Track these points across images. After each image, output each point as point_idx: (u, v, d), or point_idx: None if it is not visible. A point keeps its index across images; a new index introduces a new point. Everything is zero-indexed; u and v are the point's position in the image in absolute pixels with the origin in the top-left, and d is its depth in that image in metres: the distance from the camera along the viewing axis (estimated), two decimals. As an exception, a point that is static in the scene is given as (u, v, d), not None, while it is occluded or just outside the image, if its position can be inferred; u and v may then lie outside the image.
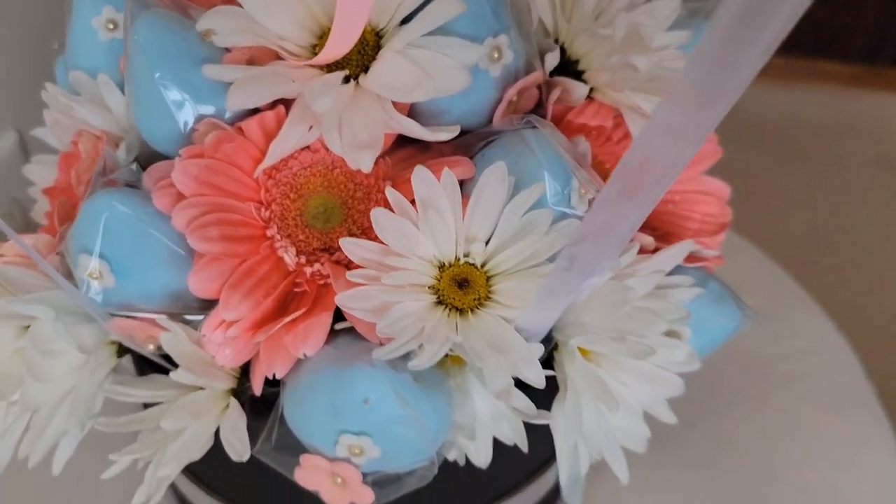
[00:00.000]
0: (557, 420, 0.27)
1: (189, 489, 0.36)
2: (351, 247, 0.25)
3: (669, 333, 0.30)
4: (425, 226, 0.25)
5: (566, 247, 0.24)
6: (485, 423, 0.28)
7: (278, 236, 0.28)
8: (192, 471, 0.35)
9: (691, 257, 0.32)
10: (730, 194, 0.36)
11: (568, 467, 0.28)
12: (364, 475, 0.27)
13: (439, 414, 0.25)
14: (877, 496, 0.42)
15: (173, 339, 0.26)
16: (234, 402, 0.27)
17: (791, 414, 0.45)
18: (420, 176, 0.25)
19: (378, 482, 0.27)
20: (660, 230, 0.34)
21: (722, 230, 0.35)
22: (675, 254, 0.28)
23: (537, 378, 0.25)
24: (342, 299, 0.25)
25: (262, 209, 0.28)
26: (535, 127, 0.27)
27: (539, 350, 0.26)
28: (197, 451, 0.26)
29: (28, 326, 0.27)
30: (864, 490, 0.42)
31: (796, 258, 0.63)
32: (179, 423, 0.25)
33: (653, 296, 0.28)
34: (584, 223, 0.23)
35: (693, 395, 0.46)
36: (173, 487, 0.39)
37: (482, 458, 0.29)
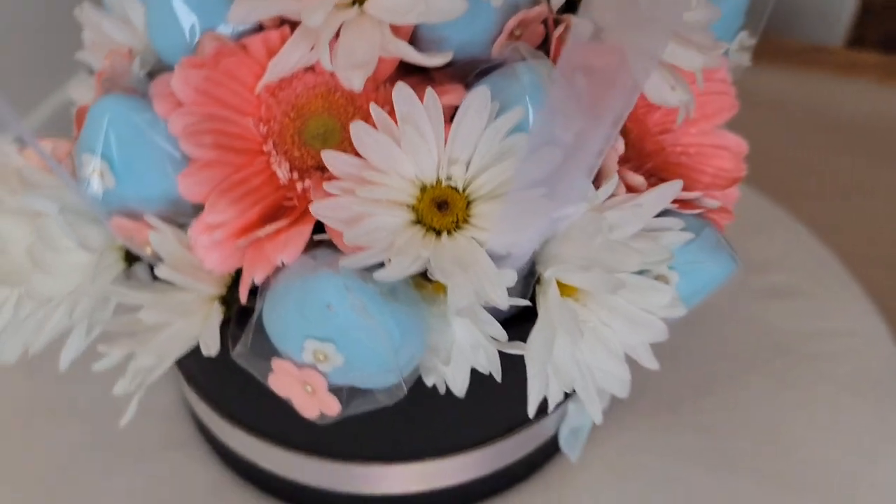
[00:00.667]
0: (529, 350, 0.27)
1: (209, 416, 0.38)
2: (332, 159, 0.26)
3: (658, 277, 0.30)
4: (405, 143, 0.26)
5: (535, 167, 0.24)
6: (462, 350, 0.29)
7: (274, 152, 0.29)
8: (211, 398, 0.37)
9: (691, 204, 0.31)
10: (747, 150, 0.35)
11: (537, 396, 0.28)
12: (336, 388, 0.27)
13: (404, 329, 0.26)
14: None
15: (162, 239, 0.27)
16: (216, 306, 0.28)
17: (812, 392, 0.44)
18: (401, 93, 0.25)
19: (347, 394, 0.28)
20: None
21: (734, 184, 0.34)
22: (662, 193, 0.28)
23: (501, 301, 0.25)
24: (316, 208, 0.25)
25: (261, 125, 0.29)
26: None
27: (510, 277, 0.26)
28: (178, 348, 0.27)
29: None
30: (881, 480, 0.41)
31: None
32: (161, 318, 0.27)
33: (640, 237, 0.28)
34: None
35: (713, 364, 0.45)
36: (195, 417, 0.41)
37: (458, 386, 0.29)
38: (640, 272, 0.29)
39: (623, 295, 0.29)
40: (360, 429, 0.36)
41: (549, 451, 0.40)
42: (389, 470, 0.37)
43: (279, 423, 0.35)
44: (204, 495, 0.39)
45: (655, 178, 0.33)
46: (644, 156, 0.33)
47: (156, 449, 0.40)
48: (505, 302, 0.25)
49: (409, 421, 0.34)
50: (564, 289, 0.28)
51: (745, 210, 0.55)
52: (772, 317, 0.48)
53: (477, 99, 0.26)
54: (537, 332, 0.27)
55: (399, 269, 0.25)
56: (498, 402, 0.34)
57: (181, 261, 0.27)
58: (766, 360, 0.45)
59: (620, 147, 0.29)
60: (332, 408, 0.27)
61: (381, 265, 0.25)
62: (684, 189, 0.33)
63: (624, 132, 0.34)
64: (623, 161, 0.32)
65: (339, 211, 0.25)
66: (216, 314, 0.28)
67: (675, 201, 0.30)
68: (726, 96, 0.34)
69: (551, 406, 0.29)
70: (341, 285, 0.25)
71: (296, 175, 0.28)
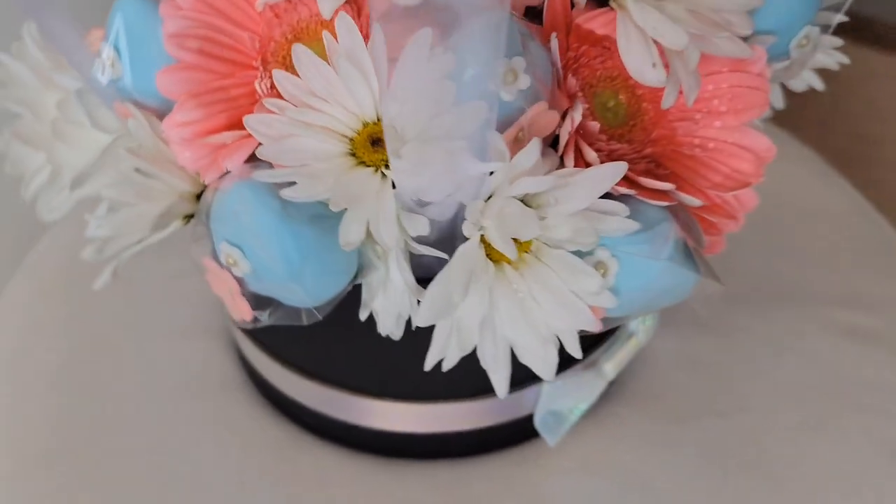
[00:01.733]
0: (426, 297, 0.27)
1: (253, 353, 0.41)
2: (282, 80, 0.27)
3: (598, 264, 0.28)
4: (342, 76, 0.26)
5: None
6: (396, 292, 0.29)
7: (261, 68, 0.30)
8: (256, 336, 0.40)
9: (663, 195, 0.29)
10: (773, 156, 0.31)
11: (437, 351, 0.28)
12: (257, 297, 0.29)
13: (306, 253, 0.26)
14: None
15: (137, 127, 0.30)
16: (182, 199, 0.30)
17: (850, 447, 0.39)
18: (342, 24, 0.26)
19: (274, 305, 0.29)
20: (675, 173, 0.31)
21: (743, 187, 0.31)
22: (595, 175, 0.26)
23: (388, 240, 0.25)
24: (248, 120, 0.27)
25: (256, 41, 0.30)
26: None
27: (421, 223, 0.26)
28: (136, 230, 0.30)
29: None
30: None
31: None
32: (124, 196, 0.29)
33: (580, 215, 0.27)
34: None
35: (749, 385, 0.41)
36: (240, 355, 0.44)
37: (384, 325, 0.30)
38: (578, 254, 0.28)
39: (558, 273, 0.28)
40: (355, 360, 0.38)
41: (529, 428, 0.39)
42: (377, 405, 0.38)
43: (285, 342, 0.38)
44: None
45: (655, 164, 0.31)
46: (648, 140, 0.31)
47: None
48: (391, 242, 0.25)
49: (398, 359, 0.35)
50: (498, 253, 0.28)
51: (861, 235, 0.49)
52: (840, 357, 0.43)
53: (418, 40, 0.25)
54: (436, 282, 0.26)
55: (303, 191, 0.26)
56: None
57: (157, 152, 0.30)
58: (812, 400, 0.41)
59: (577, 117, 0.27)
60: (245, 313, 0.29)
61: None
62: (688, 187, 0.31)
63: (640, 113, 0.32)
64: (617, 138, 0.31)
65: (265, 125, 0.26)
66: (180, 205, 0.30)
67: (646, 190, 0.29)
68: (760, 92, 0.31)
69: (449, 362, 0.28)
70: (248, 195, 0.26)
71: (275, 93, 0.30)
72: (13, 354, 0.43)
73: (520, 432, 0.39)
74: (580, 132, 0.28)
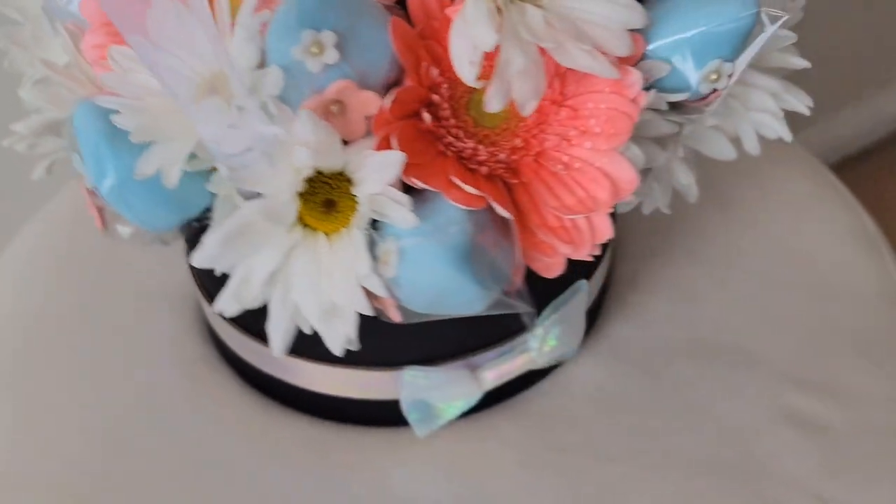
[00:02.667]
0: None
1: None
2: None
3: (385, 253, 0.28)
4: (185, 24, 0.28)
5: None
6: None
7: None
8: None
9: (470, 199, 0.28)
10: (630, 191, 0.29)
11: (226, 295, 0.29)
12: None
13: (124, 176, 0.29)
14: None
15: (65, 44, 0.33)
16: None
17: None
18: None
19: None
20: (526, 184, 0.30)
21: (589, 213, 0.29)
22: (375, 161, 0.26)
23: (146, 170, 0.27)
24: (111, 50, 0.29)
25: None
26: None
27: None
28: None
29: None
30: None
31: None
32: (37, 101, 0.33)
33: (367, 199, 0.27)
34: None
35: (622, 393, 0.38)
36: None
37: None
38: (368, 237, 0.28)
39: (347, 250, 0.28)
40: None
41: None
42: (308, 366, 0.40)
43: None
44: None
45: (510, 171, 0.30)
46: (512, 147, 0.30)
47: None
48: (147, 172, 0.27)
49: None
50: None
51: (870, 316, 0.44)
52: (767, 443, 0.39)
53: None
54: (211, 231, 0.28)
55: (124, 119, 0.28)
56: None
57: (77, 68, 0.34)
58: (709, 482, 0.37)
59: (372, 105, 0.27)
60: (97, 223, 0.32)
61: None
62: (532, 199, 0.30)
63: (516, 118, 0.31)
64: (477, 137, 0.30)
65: (121, 56, 0.29)
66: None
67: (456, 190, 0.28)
68: (629, 119, 0.29)
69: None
70: (85, 114, 0.29)
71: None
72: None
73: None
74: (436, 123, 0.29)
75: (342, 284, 0.28)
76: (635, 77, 0.29)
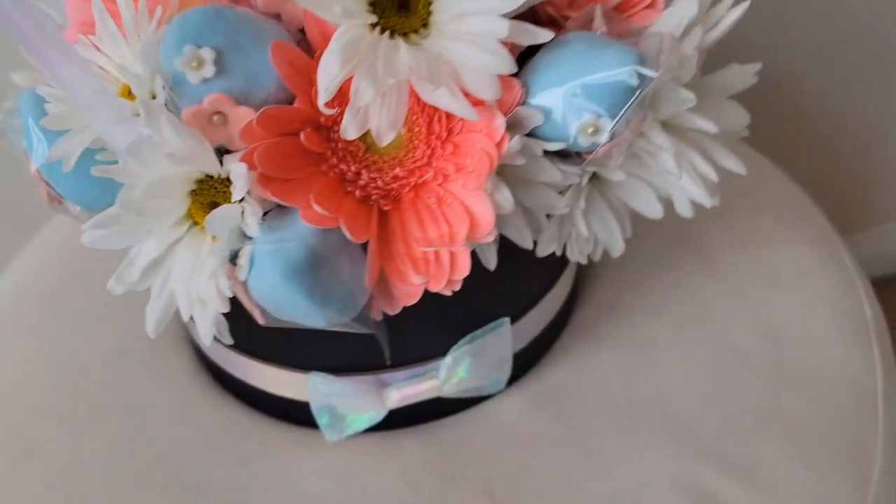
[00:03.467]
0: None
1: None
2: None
3: (239, 253, 0.30)
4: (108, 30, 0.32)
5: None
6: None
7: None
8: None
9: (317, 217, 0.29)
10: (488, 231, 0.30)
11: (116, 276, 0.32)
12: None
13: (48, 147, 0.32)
14: None
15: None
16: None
17: None
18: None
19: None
20: (399, 211, 0.31)
21: (444, 247, 0.30)
22: (236, 171, 0.28)
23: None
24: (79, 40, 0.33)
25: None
26: None
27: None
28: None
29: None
30: None
31: None
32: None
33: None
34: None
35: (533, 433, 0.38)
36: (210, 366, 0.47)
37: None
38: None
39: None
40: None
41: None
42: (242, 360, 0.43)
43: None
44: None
45: (389, 197, 0.32)
46: (392, 175, 0.31)
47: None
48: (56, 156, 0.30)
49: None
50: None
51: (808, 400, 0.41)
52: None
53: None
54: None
55: (48, 107, 0.32)
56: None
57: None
58: None
59: (249, 119, 0.29)
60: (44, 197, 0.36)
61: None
62: (403, 226, 0.31)
63: (410, 148, 0.32)
64: (363, 161, 0.32)
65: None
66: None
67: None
68: (491, 162, 0.30)
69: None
70: (28, 101, 0.33)
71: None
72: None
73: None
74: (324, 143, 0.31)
75: (198, 280, 0.30)
76: (499, 121, 0.29)
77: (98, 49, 0.32)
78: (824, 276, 0.47)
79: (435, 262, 0.31)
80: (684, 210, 0.36)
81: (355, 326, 0.31)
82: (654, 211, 0.36)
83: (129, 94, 0.32)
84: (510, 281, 0.39)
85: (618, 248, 0.37)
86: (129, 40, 0.31)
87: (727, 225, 0.50)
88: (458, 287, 0.31)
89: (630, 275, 0.47)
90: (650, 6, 0.33)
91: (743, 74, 0.35)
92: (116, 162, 0.32)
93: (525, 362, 0.43)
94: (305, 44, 0.31)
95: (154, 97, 0.30)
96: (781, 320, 0.44)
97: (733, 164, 0.35)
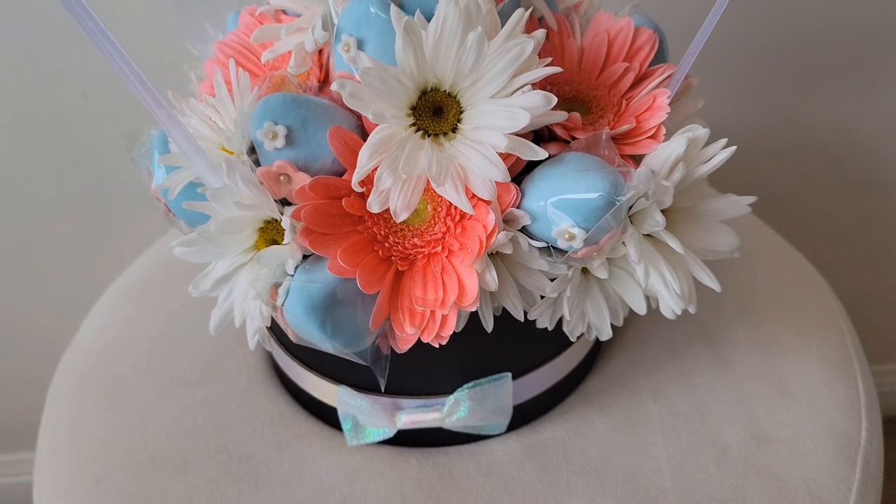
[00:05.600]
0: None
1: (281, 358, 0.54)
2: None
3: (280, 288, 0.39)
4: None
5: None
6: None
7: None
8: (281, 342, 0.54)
9: (337, 267, 0.37)
10: (471, 301, 0.37)
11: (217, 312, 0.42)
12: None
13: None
14: None
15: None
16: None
17: None
18: (217, 76, 0.41)
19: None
20: (413, 272, 0.39)
21: (436, 308, 0.37)
22: (286, 222, 0.37)
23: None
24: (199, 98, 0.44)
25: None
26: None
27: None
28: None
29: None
30: None
31: None
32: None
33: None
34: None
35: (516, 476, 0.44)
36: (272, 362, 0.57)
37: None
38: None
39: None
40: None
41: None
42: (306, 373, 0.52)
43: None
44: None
45: (406, 260, 0.39)
46: (406, 238, 0.39)
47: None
48: (164, 185, 0.40)
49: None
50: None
51: None
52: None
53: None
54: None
55: (171, 147, 0.42)
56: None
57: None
58: None
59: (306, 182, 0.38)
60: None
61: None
62: (409, 286, 0.39)
63: (433, 222, 0.40)
64: (392, 228, 0.40)
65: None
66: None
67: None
68: (480, 245, 0.36)
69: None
70: (158, 140, 0.43)
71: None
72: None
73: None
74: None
75: (252, 300, 0.39)
76: (492, 217, 0.36)
77: (216, 108, 0.42)
78: (831, 396, 0.50)
79: (430, 318, 0.38)
80: (667, 311, 0.41)
81: (356, 357, 0.39)
82: (639, 307, 0.41)
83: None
84: (515, 343, 0.45)
85: (605, 333, 0.43)
86: (231, 109, 0.40)
87: (751, 325, 0.54)
88: (445, 342, 0.38)
89: (643, 357, 0.52)
90: (652, 137, 0.39)
91: (738, 204, 0.40)
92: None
93: (528, 414, 0.50)
94: (363, 127, 0.40)
95: (240, 154, 0.40)
96: (773, 426, 0.48)
97: (708, 281, 0.40)
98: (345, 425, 0.48)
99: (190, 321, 0.58)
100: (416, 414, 0.47)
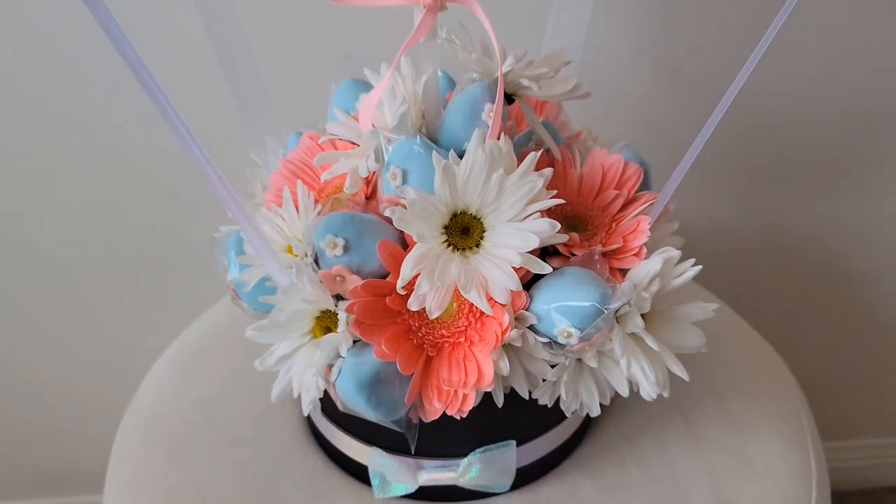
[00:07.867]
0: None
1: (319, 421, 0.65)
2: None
3: (335, 360, 0.48)
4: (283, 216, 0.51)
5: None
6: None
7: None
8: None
9: (382, 353, 0.47)
10: (488, 383, 0.46)
11: (277, 384, 0.51)
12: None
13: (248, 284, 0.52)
14: None
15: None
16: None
17: None
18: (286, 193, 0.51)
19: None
20: (440, 357, 0.48)
21: (459, 387, 0.47)
22: (340, 315, 0.46)
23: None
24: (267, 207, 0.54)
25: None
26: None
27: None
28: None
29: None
30: None
31: None
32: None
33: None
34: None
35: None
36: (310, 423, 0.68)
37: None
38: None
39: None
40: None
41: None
42: (343, 435, 0.62)
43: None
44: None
45: (435, 347, 0.49)
46: (436, 330, 0.49)
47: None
48: (238, 279, 0.50)
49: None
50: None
51: None
52: None
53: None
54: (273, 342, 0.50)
55: (245, 248, 0.52)
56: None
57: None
58: None
59: (358, 283, 0.47)
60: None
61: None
62: (435, 367, 0.48)
63: (458, 316, 0.49)
64: (426, 321, 0.49)
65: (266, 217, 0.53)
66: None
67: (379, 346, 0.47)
68: (496, 338, 0.46)
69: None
70: (233, 241, 0.53)
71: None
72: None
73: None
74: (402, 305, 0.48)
75: (310, 377, 0.49)
76: (507, 317, 0.46)
77: (282, 217, 0.52)
78: (787, 469, 0.59)
79: (454, 395, 0.48)
80: (645, 395, 0.51)
81: (392, 425, 0.48)
82: (623, 390, 0.51)
83: (290, 250, 0.51)
84: (520, 416, 0.55)
85: (595, 410, 0.52)
86: (299, 219, 0.50)
87: (720, 405, 0.63)
88: (465, 415, 0.48)
89: (629, 429, 0.61)
90: (636, 254, 0.49)
91: (704, 309, 0.50)
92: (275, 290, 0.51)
93: (529, 476, 0.58)
94: (403, 237, 0.50)
95: (304, 257, 0.49)
96: (736, 493, 0.57)
97: (679, 371, 0.49)
98: (374, 481, 0.57)
99: (239, 385, 0.67)
100: (435, 473, 0.55)
